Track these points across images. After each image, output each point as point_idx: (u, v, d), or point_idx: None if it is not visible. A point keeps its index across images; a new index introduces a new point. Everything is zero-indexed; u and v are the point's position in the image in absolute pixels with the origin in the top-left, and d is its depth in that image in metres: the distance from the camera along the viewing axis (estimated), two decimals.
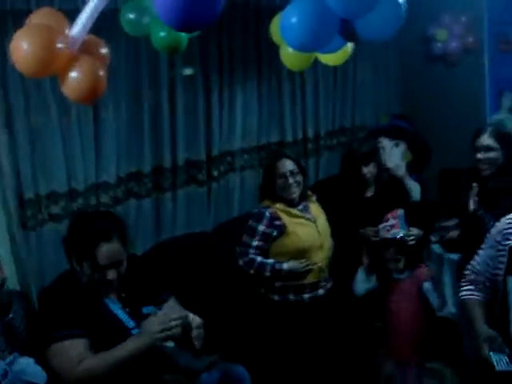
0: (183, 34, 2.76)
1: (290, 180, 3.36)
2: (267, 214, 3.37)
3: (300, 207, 3.45)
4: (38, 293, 3.39)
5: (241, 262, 3.41)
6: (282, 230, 3.36)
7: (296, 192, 3.39)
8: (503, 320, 2.31)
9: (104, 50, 2.27)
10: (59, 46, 2.01)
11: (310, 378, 3.45)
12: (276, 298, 3.45)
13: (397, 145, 5.17)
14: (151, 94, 3.89)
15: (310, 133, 4.97)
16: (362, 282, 3.45)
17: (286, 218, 3.37)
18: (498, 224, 2.40)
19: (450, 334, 3.93)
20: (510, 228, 2.31)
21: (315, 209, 3.52)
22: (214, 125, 4.26)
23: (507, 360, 2.31)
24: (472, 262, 2.54)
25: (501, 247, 2.33)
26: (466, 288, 2.56)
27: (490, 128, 3.20)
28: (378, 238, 3.50)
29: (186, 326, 2.55)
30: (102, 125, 3.62)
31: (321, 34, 2.06)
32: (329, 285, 3.54)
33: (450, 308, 3.98)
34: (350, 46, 2.65)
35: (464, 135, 5.11)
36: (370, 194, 4.01)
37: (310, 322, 3.45)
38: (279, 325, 3.44)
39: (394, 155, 5.15)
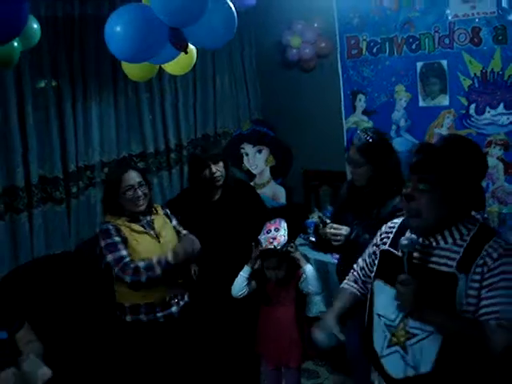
0: (16, 47, 2.60)
1: (139, 192, 3.29)
2: (110, 226, 3.29)
3: (143, 222, 3.39)
4: None
5: (128, 279, 3.21)
6: (125, 242, 3.30)
7: (144, 204, 3.34)
8: (368, 329, 2.28)
9: None
10: None
11: None
12: (128, 318, 3.35)
13: (260, 151, 5.27)
14: None
15: (172, 142, 4.90)
16: (241, 284, 3.43)
17: (127, 232, 3.30)
18: (383, 226, 2.38)
19: None
20: (389, 232, 2.29)
21: (159, 222, 3.46)
22: (70, 139, 4.08)
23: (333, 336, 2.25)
24: (358, 260, 2.52)
25: (377, 250, 2.32)
26: (346, 280, 2.54)
27: (356, 142, 3.10)
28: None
29: None
30: None
31: (148, 43, 1.99)
32: (182, 301, 3.48)
33: (320, 307, 4.06)
34: (192, 54, 2.61)
35: (323, 137, 5.30)
36: (216, 197, 3.92)
37: (166, 342, 3.38)
38: (134, 346, 3.36)
39: (258, 161, 5.26)
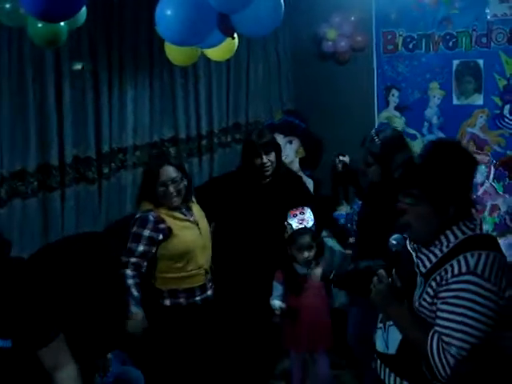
0: (62, 26, 2.65)
1: (171, 189, 3.31)
2: (151, 217, 3.31)
3: (183, 210, 3.43)
4: None
5: (122, 271, 3.32)
6: (167, 233, 3.33)
7: (176, 201, 3.36)
8: None
9: None
10: None
11: (207, 380, 3.45)
12: (167, 302, 3.41)
13: (290, 142, 5.28)
14: (36, 88, 3.71)
15: (204, 129, 4.92)
16: (279, 297, 3.49)
17: (170, 221, 3.33)
18: None
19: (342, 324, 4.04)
20: None
21: (197, 211, 3.50)
22: (104, 121, 4.13)
23: None
24: None
25: None
26: None
27: (367, 144, 3.34)
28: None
29: None
30: None
31: (197, 27, 2.03)
32: (213, 285, 3.56)
33: (341, 298, 4.07)
34: (234, 41, 2.63)
35: (355, 131, 5.25)
36: (265, 181, 3.90)
37: (203, 324, 3.45)
38: (173, 329, 3.40)
39: (288, 151, 5.26)
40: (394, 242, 2.24)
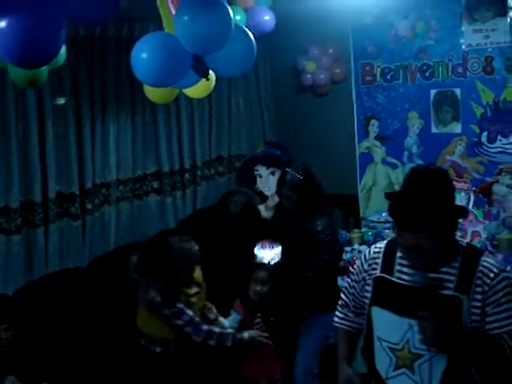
0: (42, 68, 2.69)
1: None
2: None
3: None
4: None
5: (198, 339, 3.30)
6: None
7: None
8: (369, 350, 2.35)
9: None
10: None
11: None
12: (158, 349, 3.39)
13: (273, 173, 5.33)
14: (19, 125, 3.76)
15: (187, 163, 4.97)
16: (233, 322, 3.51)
17: (183, 299, 3.33)
18: (366, 251, 2.45)
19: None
20: (377, 258, 2.35)
21: (198, 274, 3.49)
22: (87, 156, 4.17)
23: None
24: (343, 288, 2.59)
25: (367, 276, 2.37)
26: (338, 313, 2.60)
27: (289, 180, 3.53)
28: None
29: None
30: None
31: (172, 69, 2.07)
32: None
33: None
34: (210, 81, 2.68)
35: (336, 161, 5.36)
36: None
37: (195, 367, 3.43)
38: (163, 373, 3.37)
39: (271, 182, 5.31)
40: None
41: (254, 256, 3.56)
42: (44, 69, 2.72)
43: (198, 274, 3.48)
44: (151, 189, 4.72)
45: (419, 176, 2.21)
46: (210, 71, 2.20)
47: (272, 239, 3.63)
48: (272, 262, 3.50)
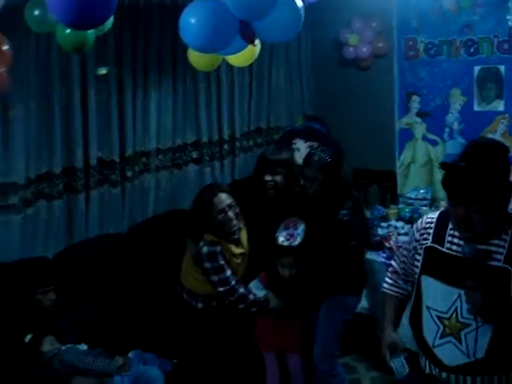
0: (89, 33, 2.73)
1: (230, 214, 3.37)
2: (218, 250, 3.38)
3: (238, 238, 3.49)
4: None
5: (231, 299, 3.42)
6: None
7: (236, 225, 3.42)
8: (417, 318, 2.39)
9: (5, 47, 2.22)
10: None
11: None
12: (199, 305, 3.49)
13: (311, 146, 5.30)
14: (62, 92, 3.82)
15: (226, 133, 4.99)
16: (256, 289, 3.54)
17: (228, 256, 3.42)
18: (418, 222, 2.48)
19: (364, 329, 4.07)
20: (429, 228, 2.38)
21: (245, 237, 3.56)
22: (128, 125, 4.22)
23: (405, 364, 2.42)
24: (395, 256, 2.67)
25: (418, 245, 2.40)
26: (387, 279, 2.65)
27: (315, 161, 3.38)
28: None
29: None
30: (11, 123, 3.52)
31: (219, 35, 2.08)
32: None
33: (363, 303, 4.10)
34: (256, 48, 2.68)
35: (375, 136, 5.31)
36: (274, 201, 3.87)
37: (231, 324, 3.54)
38: (204, 329, 3.50)
39: None
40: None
41: (276, 236, 3.52)
42: (91, 34, 2.75)
43: (243, 236, 3.52)
44: (190, 159, 4.76)
45: (476, 149, 2.20)
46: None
47: (297, 218, 3.58)
48: (294, 244, 3.48)
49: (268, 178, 3.68)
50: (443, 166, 2.21)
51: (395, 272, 2.61)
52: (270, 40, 2.20)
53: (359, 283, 3.56)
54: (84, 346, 3.34)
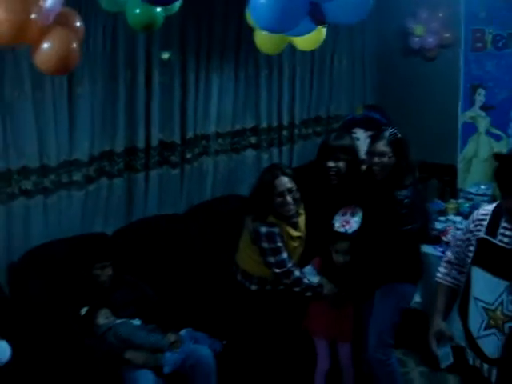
0: (158, 12, 2.76)
1: (288, 198, 3.35)
2: (276, 231, 3.37)
3: (295, 221, 3.47)
4: (6, 268, 3.42)
5: (287, 282, 3.42)
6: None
7: (293, 210, 3.40)
8: (464, 309, 2.41)
9: (78, 23, 2.28)
10: (33, 16, 2.02)
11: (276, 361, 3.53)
12: (253, 287, 3.50)
13: (370, 136, 5.24)
14: (127, 72, 3.89)
15: (286, 120, 4.99)
16: (309, 275, 3.52)
17: (287, 239, 3.40)
18: (474, 213, 2.50)
19: (415, 323, 4.03)
20: (483, 220, 2.39)
21: (303, 222, 3.54)
22: (190, 108, 4.27)
23: (450, 353, 2.42)
24: (452, 243, 2.69)
25: (472, 236, 2.42)
26: (441, 268, 2.68)
27: (386, 136, 3.37)
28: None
29: None
30: (77, 101, 3.62)
31: (289, 15, 2.08)
32: None
33: (416, 297, 4.05)
34: (323, 31, 2.67)
35: (437, 129, 5.23)
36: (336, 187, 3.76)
37: (283, 309, 3.52)
38: (256, 311, 3.50)
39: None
40: None
41: (332, 223, 3.50)
42: (160, 13, 2.79)
43: (302, 220, 3.52)
44: (249, 144, 4.78)
45: None
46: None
47: (355, 205, 3.54)
48: (350, 231, 3.45)
49: (331, 164, 3.63)
50: (496, 157, 2.20)
51: (449, 262, 2.64)
52: (338, 21, 2.19)
53: (415, 272, 3.51)
54: (138, 321, 3.40)
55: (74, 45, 2.14)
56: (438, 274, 2.67)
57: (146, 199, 4.14)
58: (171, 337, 3.35)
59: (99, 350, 3.21)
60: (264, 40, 2.83)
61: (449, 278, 2.62)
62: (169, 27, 3.98)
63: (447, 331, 2.50)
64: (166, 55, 4.09)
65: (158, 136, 4.12)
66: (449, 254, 2.66)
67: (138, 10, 2.76)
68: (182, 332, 3.48)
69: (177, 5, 2.72)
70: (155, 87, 4.03)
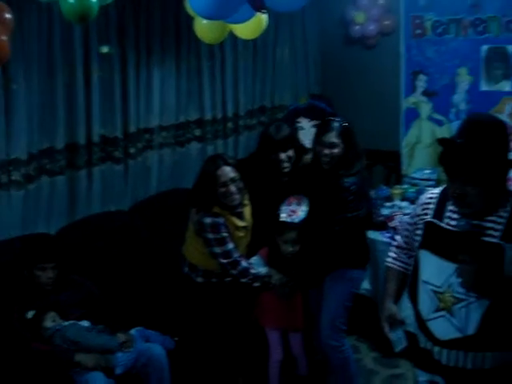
0: (93, 2, 2.67)
1: (232, 188, 3.33)
2: (221, 221, 3.35)
3: (240, 211, 3.45)
4: None
5: (234, 272, 3.39)
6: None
7: (237, 199, 3.37)
8: (413, 292, 2.42)
9: (8, 15, 2.19)
10: None
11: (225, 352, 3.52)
12: (199, 280, 3.47)
13: (315, 126, 5.25)
14: (65, 67, 3.78)
15: (230, 111, 4.95)
16: (257, 266, 3.51)
17: (232, 229, 3.39)
18: (421, 197, 2.52)
19: (366, 310, 4.07)
20: (430, 203, 2.41)
21: (248, 213, 3.52)
22: (131, 101, 4.19)
23: (403, 337, 2.46)
24: (400, 227, 2.69)
25: (419, 220, 2.43)
26: (391, 253, 2.68)
27: (335, 127, 3.37)
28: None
29: None
30: (13, 97, 3.49)
31: (228, 1, 2.04)
32: None
33: (365, 284, 4.08)
34: (263, 19, 2.63)
35: (380, 116, 5.27)
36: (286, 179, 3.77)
37: (231, 301, 3.51)
38: (202, 304, 3.48)
39: (313, 135, 5.24)
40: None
41: (278, 213, 3.50)
42: (95, 3, 2.69)
43: (247, 210, 3.50)
44: (193, 136, 4.73)
45: (473, 125, 2.22)
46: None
47: (300, 195, 3.55)
48: (297, 220, 3.45)
49: (282, 156, 3.63)
50: (440, 141, 2.22)
51: (399, 246, 2.65)
52: (278, 8, 2.15)
53: (363, 257, 3.55)
54: (86, 323, 3.34)
55: (3, 37, 2.05)
56: (388, 259, 2.68)
57: (89, 197, 4.05)
58: (121, 337, 3.31)
59: (47, 353, 3.14)
60: (204, 29, 2.78)
61: (398, 263, 2.63)
62: (106, 20, 3.90)
63: (398, 315, 2.51)
64: (104, 49, 4.00)
65: (100, 131, 4.03)
66: (398, 238, 2.67)
67: (71, 1, 2.66)
68: (133, 331, 3.44)
69: None
70: (94, 82, 3.93)
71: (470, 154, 2.11)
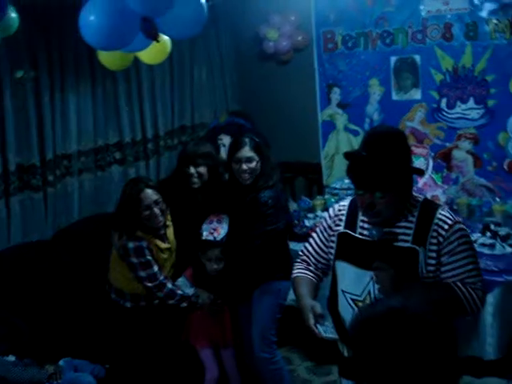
0: None
1: (156, 210, 3.36)
2: (144, 245, 3.37)
3: (163, 233, 3.49)
4: None
5: (160, 295, 3.42)
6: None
7: (161, 221, 3.41)
8: (334, 303, 2.46)
9: None
10: None
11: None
12: (128, 305, 3.47)
13: None
14: None
15: (150, 133, 4.94)
16: (183, 286, 3.55)
17: (155, 252, 3.41)
18: (330, 210, 2.56)
19: (295, 321, 4.11)
20: (341, 215, 2.45)
21: (171, 234, 3.55)
22: (47, 128, 4.12)
23: (333, 329, 2.43)
24: (305, 244, 2.66)
25: (331, 232, 2.47)
26: (296, 267, 2.64)
27: (248, 143, 3.47)
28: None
29: None
30: None
31: (119, 31, 2.07)
32: None
33: (291, 295, 4.14)
34: (166, 42, 2.66)
35: (299, 129, 5.38)
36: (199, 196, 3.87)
37: (161, 323, 3.52)
38: (133, 329, 3.48)
39: None
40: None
41: (200, 232, 3.55)
42: None
43: (170, 232, 3.52)
44: (113, 159, 4.69)
45: (375, 138, 2.29)
46: (164, 36, 2.21)
47: (220, 212, 3.61)
48: (219, 238, 3.51)
49: (192, 170, 3.69)
50: (346, 155, 2.29)
51: (304, 261, 2.61)
52: (175, 36, 2.19)
53: (287, 268, 3.60)
54: (12, 357, 3.26)
55: None
56: (294, 271, 2.62)
57: (8, 228, 3.95)
58: (49, 369, 3.26)
59: None
60: (106, 57, 2.78)
61: (307, 272, 2.59)
62: (17, 46, 3.83)
63: (318, 306, 2.43)
64: (18, 75, 3.94)
65: (16, 160, 3.94)
66: (303, 254, 2.63)
67: None
68: (61, 362, 3.39)
69: (14, 25, 2.62)
70: (8, 109, 3.85)
71: (374, 165, 2.18)
